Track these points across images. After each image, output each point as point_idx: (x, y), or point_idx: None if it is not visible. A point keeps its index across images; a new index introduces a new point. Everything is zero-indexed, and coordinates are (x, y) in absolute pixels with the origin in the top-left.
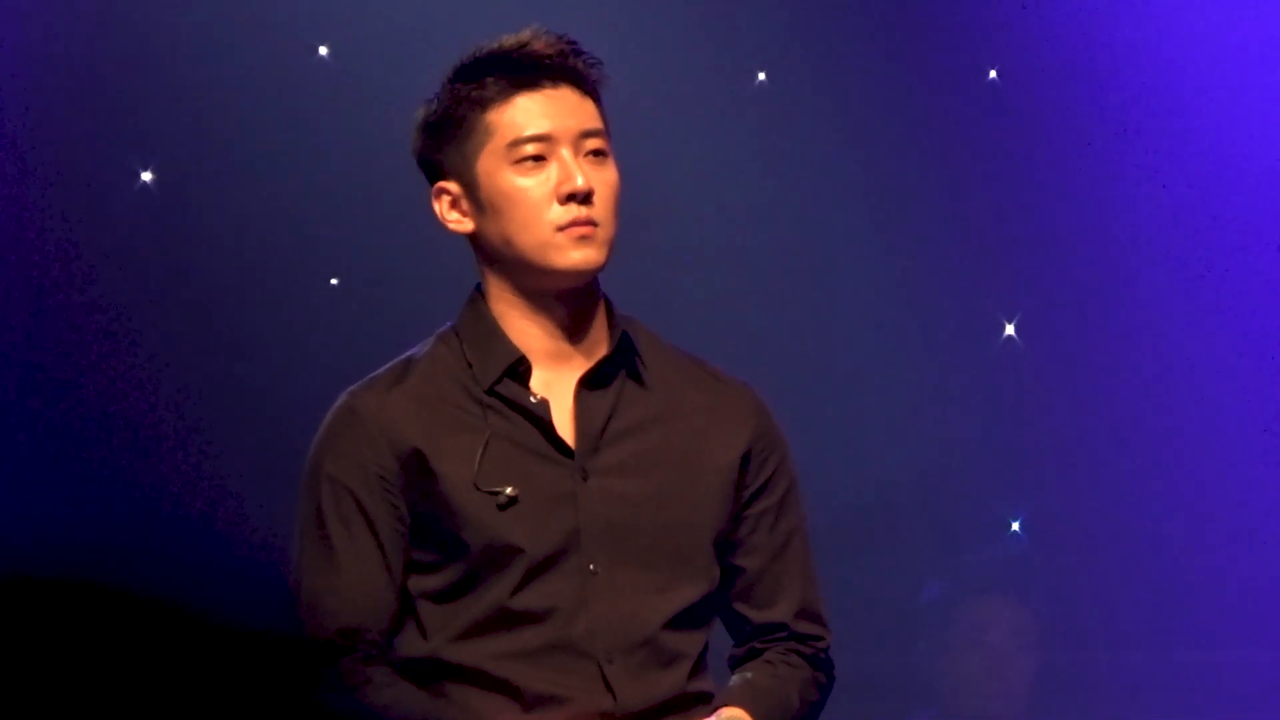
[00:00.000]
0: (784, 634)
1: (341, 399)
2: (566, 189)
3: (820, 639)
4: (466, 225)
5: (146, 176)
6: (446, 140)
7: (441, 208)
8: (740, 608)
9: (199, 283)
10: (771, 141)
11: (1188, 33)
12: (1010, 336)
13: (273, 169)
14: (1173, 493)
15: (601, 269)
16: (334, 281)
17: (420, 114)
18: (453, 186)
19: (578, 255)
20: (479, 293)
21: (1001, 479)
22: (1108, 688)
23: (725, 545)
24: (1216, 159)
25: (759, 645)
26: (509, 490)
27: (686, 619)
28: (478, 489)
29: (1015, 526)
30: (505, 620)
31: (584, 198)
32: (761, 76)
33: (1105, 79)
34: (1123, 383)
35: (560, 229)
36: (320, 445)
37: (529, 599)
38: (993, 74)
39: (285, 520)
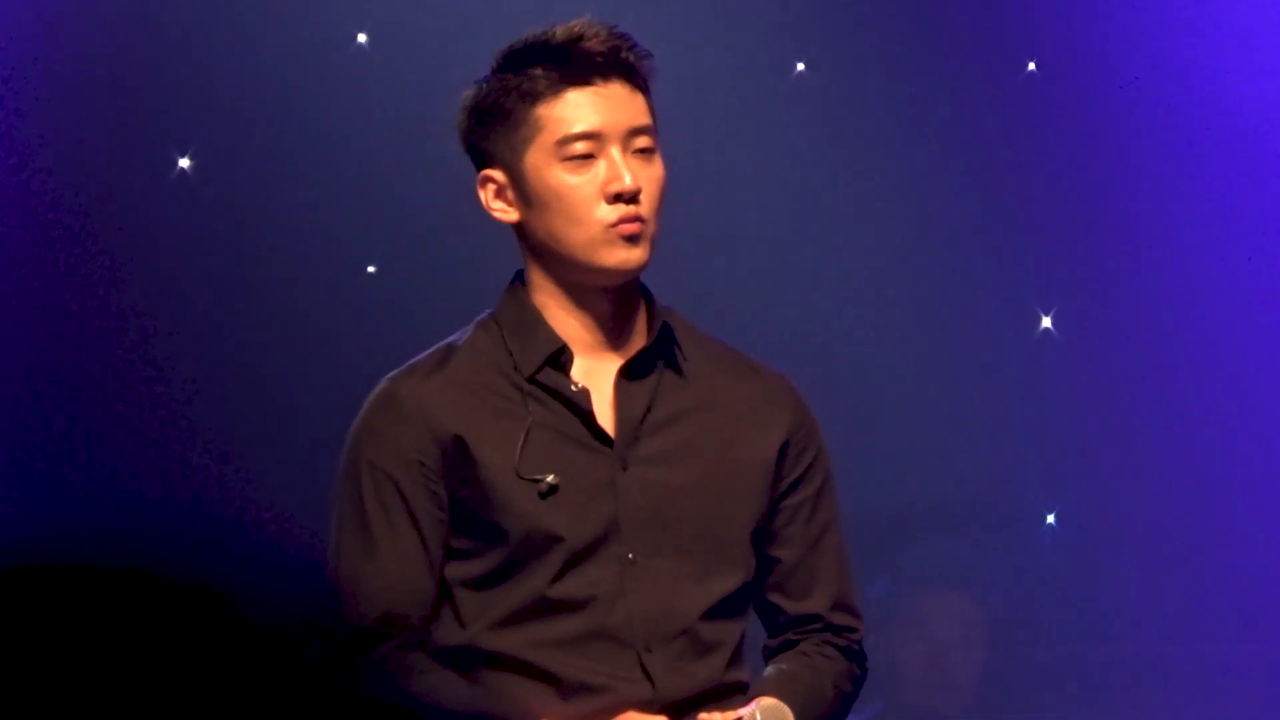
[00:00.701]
0: (819, 625)
1: (382, 385)
2: (615, 188)
3: (854, 630)
4: (512, 215)
5: (184, 163)
6: (493, 129)
7: (487, 196)
8: (775, 598)
9: (236, 270)
10: (810, 132)
11: (1228, 25)
12: (1047, 329)
13: (311, 156)
14: (1209, 486)
15: (645, 266)
16: (371, 269)
17: (467, 98)
18: (499, 176)
19: (624, 254)
20: (520, 281)
21: (1037, 471)
22: (1142, 681)
23: (761, 536)
24: (1256, 151)
25: (794, 636)
26: (550, 478)
27: (724, 609)
28: (519, 477)
29: (1050, 519)
30: (544, 608)
31: (631, 196)
32: (800, 67)
33: (1144, 70)
34: (1159, 375)
35: (608, 227)
36: (360, 431)
37: (568, 587)
38: (1031, 66)
39: (323, 507)
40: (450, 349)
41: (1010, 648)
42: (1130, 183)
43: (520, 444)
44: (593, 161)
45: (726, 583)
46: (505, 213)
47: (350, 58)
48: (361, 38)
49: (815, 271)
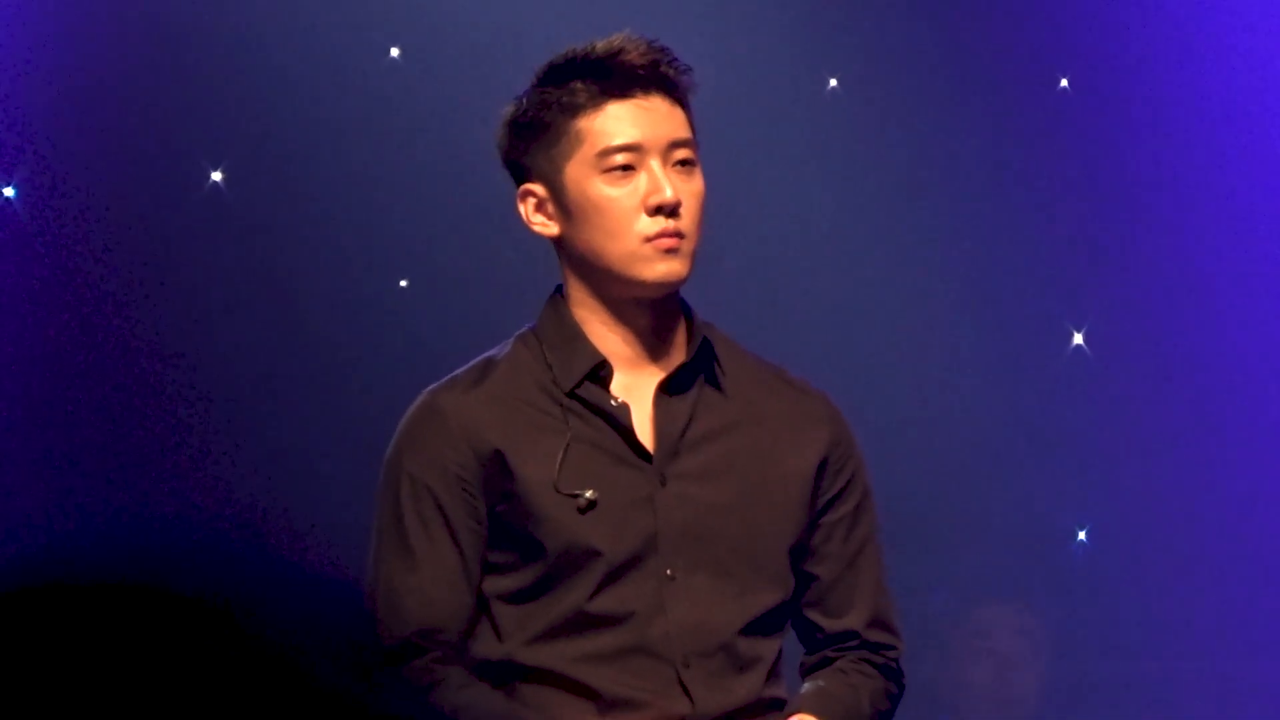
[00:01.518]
0: (856, 643)
1: (422, 398)
2: (655, 201)
3: (892, 648)
4: (552, 229)
5: (216, 176)
6: (534, 143)
7: (527, 210)
8: (813, 615)
9: (267, 282)
10: (842, 148)
11: (1262, 43)
12: (1079, 346)
13: (343, 170)
14: (1241, 503)
15: (685, 280)
16: (403, 283)
17: (507, 113)
18: (539, 189)
19: (664, 267)
20: (560, 295)
21: (1068, 488)
22: (1173, 699)
23: (799, 552)
24: None
25: (831, 654)
26: (589, 494)
27: (762, 625)
28: (558, 491)
29: (1082, 535)
30: (583, 623)
31: (672, 210)
32: (833, 83)
33: (1176, 88)
34: (1191, 392)
35: (648, 240)
36: (400, 444)
37: (607, 602)
38: (1064, 82)
39: (353, 520)
40: (490, 363)
41: (1040, 663)
42: (1162, 199)
43: (560, 459)
44: (633, 174)
45: (765, 599)
46: (545, 227)
47: (383, 72)
48: (394, 52)
49: (848, 287)
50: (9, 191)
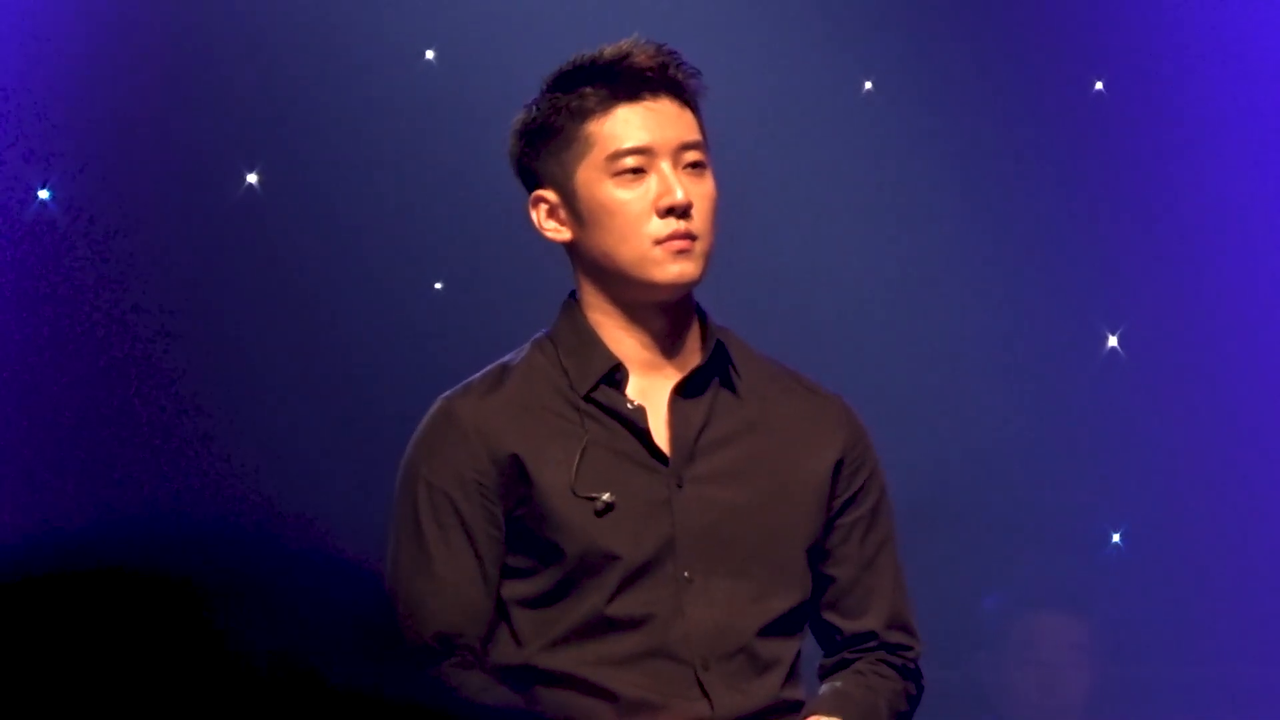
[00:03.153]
0: (874, 644)
1: (438, 404)
2: (666, 202)
3: (910, 649)
4: (564, 234)
5: (252, 178)
6: (544, 149)
7: (539, 216)
8: (830, 617)
9: (302, 285)
10: (878, 150)
11: None
12: (1114, 348)
13: (378, 172)
14: (1277, 506)
15: (698, 282)
16: (438, 285)
17: (518, 121)
18: (550, 195)
19: (675, 269)
20: (574, 300)
21: (1102, 490)
22: (1209, 703)
23: (816, 554)
24: None
25: (849, 655)
26: (606, 496)
27: (781, 627)
28: (575, 495)
29: (1116, 538)
30: (603, 627)
31: (683, 211)
32: (868, 85)
33: (1212, 90)
34: (1227, 394)
35: (658, 242)
36: (417, 450)
37: (626, 606)
38: (1099, 85)
39: (378, 522)
40: (505, 369)
41: (1073, 667)
42: (1198, 201)
43: (576, 462)
44: (643, 177)
45: (783, 601)
46: (558, 232)
47: (418, 74)
48: (429, 54)
49: (882, 289)
50: (44, 194)
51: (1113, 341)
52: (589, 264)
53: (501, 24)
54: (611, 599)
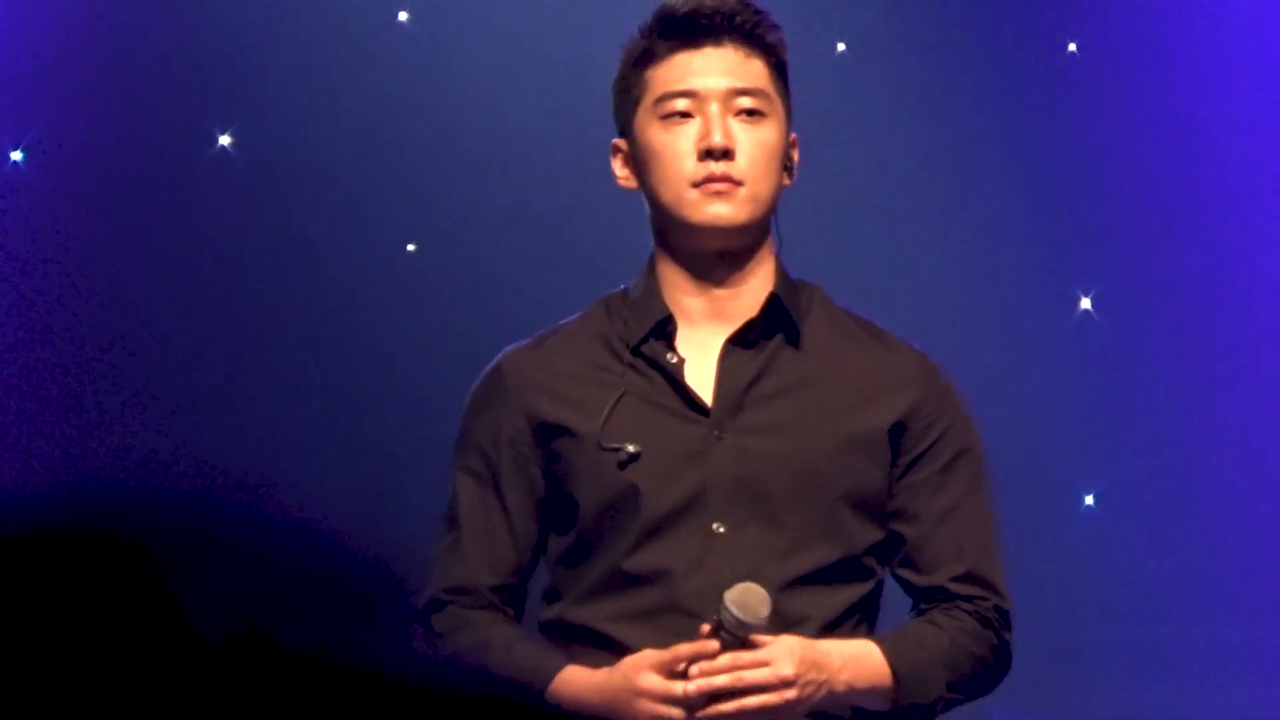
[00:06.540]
0: (943, 596)
1: (497, 357)
2: (704, 145)
3: (984, 599)
4: (631, 182)
5: (224, 140)
6: (620, 98)
7: (616, 165)
8: (905, 574)
9: (275, 246)
10: (850, 112)
11: (1275, 8)
12: (1086, 310)
13: (351, 133)
14: (1249, 468)
15: (745, 227)
16: (411, 247)
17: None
18: (623, 144)
19: (710, 211)
20: (653, 252)
21: (1075, 452)
22: (1179, 661)
23: (887, 512)
24: None
25: (924, 606)
26: (630, 448)
27: (815, 581)
28: (600, 447)
29: (1089, 500)
30: (620, 581)
31: (722, 154)
32: (841, 47)
33: (1185, 52)
34: (1198, 357)
35: (695, 185)
36: (467, 402)
37: (644, 560)
38: (1072, 47)
39: (345, 481)
40: (562, 324)
41: (1046, 628)
42: (1170, 164)
43: (605, 414)
44: (689, 120)
45: (816, 555)
46: (628, 180)
47: (391, 35)
48: (402, 16)
49: (853, 253)
50: (17, 155)
51: (1085, 304)
52: (651, 212)
53: None
54: (630, 553)
